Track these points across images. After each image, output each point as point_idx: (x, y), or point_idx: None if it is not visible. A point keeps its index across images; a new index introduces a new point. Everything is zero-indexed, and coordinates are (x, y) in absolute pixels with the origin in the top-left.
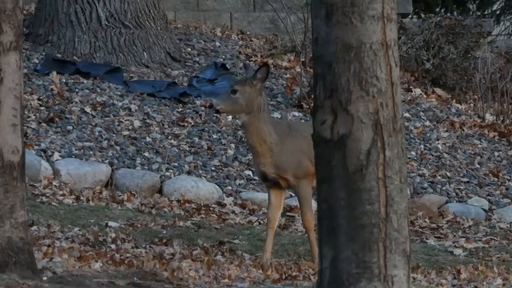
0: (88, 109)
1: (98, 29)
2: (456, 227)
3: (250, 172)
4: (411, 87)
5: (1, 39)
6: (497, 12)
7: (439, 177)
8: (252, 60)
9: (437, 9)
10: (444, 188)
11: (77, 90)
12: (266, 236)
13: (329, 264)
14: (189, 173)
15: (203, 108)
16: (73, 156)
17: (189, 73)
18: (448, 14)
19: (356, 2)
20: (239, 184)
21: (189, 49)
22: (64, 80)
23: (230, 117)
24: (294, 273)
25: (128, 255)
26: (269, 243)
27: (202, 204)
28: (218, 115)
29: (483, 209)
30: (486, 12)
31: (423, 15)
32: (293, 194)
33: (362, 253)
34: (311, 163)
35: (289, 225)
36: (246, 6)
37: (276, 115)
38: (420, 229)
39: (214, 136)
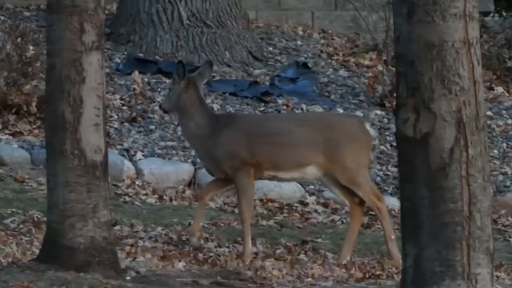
0: None
1: (180, 28)
2: None
3: None
4: (493, 85)
5: (83, 39)
6: None
7: None
8: (334, 59)
9: None
10: None
11: (159, 89)
12: (196, 208)
13: (413, 263)
14: None
15: (285, 107)
16: (156, 155)
17: (271, 72)
18: None
19: (438, 0)
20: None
21: (270, 48)
22: (146, 80)
23: None
24: (377, 272)
25: (211, 254)
26: (200, 212)
27: (284, 203)
28: (166, 114)
29: None
30: None
31: (504, 13)
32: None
33: (445, 251)
34: (250, 155)
35: (372, 224)
36: (328, 5)
37: (358, 113)
38: (503, 228)
39: None
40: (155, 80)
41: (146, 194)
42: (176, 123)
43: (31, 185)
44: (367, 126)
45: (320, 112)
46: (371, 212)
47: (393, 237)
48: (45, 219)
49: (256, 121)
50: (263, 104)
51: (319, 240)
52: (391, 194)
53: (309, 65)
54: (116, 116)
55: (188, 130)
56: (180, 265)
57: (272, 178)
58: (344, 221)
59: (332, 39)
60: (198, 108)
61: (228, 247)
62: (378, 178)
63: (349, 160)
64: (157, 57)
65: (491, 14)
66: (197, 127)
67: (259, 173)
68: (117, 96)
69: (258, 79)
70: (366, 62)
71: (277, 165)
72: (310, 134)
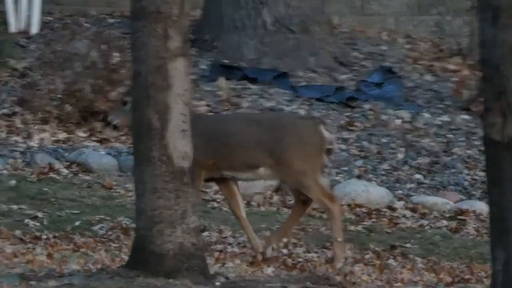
0: None
1: (264, 34)
2: None
3: (420, 176)
4: None
5: (168, 45)
6: None
7: None
8: (419, 64)
9: None
10: None
11: (245, 95)
12: (242, 228)
13: (502, 267)
14: (359, 177)
15: (371, 112)
16: None
17: (356, 77)
18: None
19: None
20: (410, 187)
21: (355, 53)
22: (232, 86)
23: (399, 120)
24: (466, 276)
25: (300, 259)
26: (249, 230)
27: (372, 208)
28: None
29: None
30: None
31: None
32: (463, 197)
33: None
34: (205, 157)
35: (460, 228)
36: (411, 10)
37: (445, 118)
38: None
39: (383, 140)
40: (240, 87)
41: None
42: None
43: (119, 192)
44: (322, 128)
45: (276, 113)
46: (459, 217)
47: (339, 239)
48: (133, 225)
49: (214, 122)
50: (349, 109)
51: (408, 245)
52: (479, 199)
53: (394, 70)
54: None
55: None
56: (269, 270)
57: (231, 178)
58: (433, 225)
59: (417, 43)
60: None
61: (316, 252)
62: (466, 183)
63: (296, 163)
64: (241, 63)
65: None
66: None
67: (218, 171)
68: (203, 103)
69: (344, 85)
70: (451, 67)
71: (231, 166)
72: (259, 135)
